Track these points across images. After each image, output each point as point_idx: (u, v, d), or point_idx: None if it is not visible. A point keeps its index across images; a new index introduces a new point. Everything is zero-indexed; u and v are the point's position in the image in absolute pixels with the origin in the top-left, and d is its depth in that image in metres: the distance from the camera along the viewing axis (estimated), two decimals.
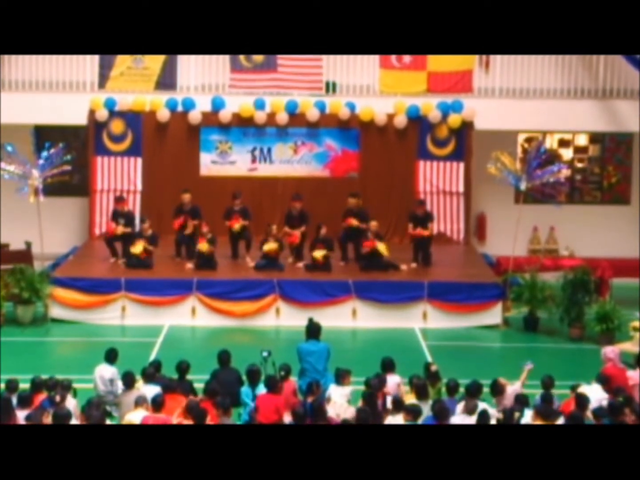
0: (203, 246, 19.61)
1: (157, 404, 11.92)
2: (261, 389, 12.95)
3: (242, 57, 22.56)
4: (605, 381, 13.18)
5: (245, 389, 13.32)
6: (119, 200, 21.24)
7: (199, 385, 13.50)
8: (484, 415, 11.48)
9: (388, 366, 13.61)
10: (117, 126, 22.61)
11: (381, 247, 19.85)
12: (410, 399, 12.49)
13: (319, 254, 19.69)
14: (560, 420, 11.27)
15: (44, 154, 19.71)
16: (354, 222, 20.38)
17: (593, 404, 12.19)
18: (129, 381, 13.06)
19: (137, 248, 19.76)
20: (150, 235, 20.09)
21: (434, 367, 13.61)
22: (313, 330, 14.74)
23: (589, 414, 11.83)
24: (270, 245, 19.73)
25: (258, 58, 22.58)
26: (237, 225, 20.42)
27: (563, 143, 24.23)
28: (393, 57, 22.65)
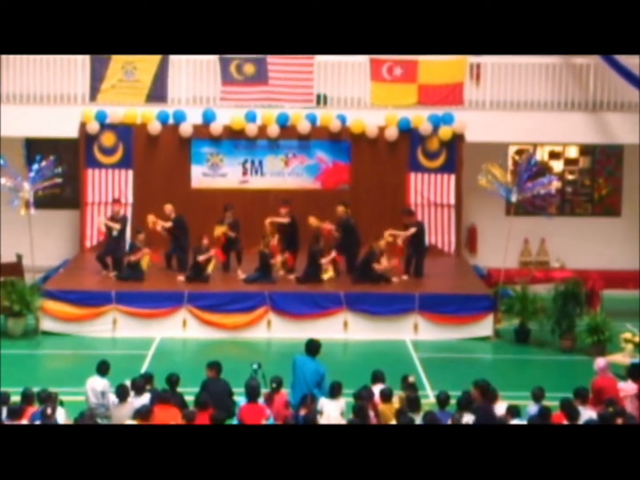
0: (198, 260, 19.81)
1: (143, 415, 11.87)
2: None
3: (233, 69, 22.52)
4: (584, 396, 13.07)
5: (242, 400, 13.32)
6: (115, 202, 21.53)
7: (189, 398, 13.47)
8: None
9: (374, 378, 13.64)
10: (108, 139, 22.58)
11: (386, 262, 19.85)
12: None
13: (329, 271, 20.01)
14: None
15: (35, 166, 19.75)
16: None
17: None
18: (122, 394, 13.02)
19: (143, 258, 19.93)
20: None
21: (411, 379, 13.65)
22: (312, 347, 14.34)
23: None
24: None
25: (249, 70, 22.55)
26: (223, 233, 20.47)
27: (553, 155, 24.26)
28: (384, 70, 22.64)
